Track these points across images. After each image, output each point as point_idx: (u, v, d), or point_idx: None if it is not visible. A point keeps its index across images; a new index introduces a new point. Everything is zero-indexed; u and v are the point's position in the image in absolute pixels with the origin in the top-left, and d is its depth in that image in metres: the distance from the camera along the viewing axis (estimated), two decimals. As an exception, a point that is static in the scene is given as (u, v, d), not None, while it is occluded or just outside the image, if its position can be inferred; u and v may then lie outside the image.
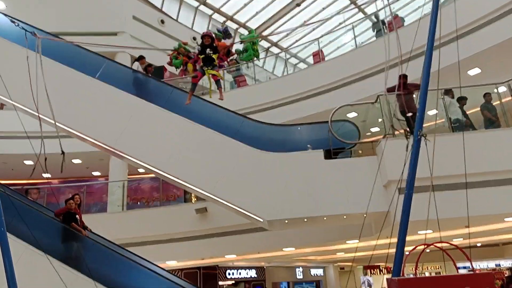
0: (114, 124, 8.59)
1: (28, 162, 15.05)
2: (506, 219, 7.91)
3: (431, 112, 8.27)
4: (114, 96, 8.69)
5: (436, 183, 5.64)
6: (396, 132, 7.73)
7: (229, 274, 17.45)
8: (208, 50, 6.44)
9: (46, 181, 13.99)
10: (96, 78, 8.69)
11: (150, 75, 9.57)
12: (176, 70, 14.71)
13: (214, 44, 6.53)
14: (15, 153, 14.50)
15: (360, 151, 8.63)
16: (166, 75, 13.79)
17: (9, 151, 14.70)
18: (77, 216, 8.01)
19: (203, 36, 6.53)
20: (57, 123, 8.69)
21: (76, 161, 15.80)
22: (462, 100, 7.95)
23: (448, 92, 7.84)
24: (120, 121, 8.57)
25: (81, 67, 8.77)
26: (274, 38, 22.47)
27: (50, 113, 7.92)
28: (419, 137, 4.39)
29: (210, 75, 6.41)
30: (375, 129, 8.96)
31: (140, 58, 10.00)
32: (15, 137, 13.60)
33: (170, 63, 14.37)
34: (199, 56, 6.52)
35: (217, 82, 6.64)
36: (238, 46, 13.94)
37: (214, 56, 6.45)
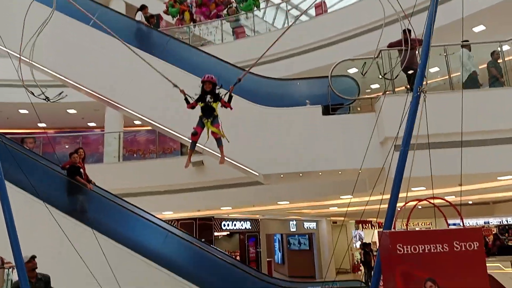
0: (109, 74, 8.44)
1: (23, 111, 14.96)
2: (499, 178, 8.02)
3: (433, 70, 8.18)
4: (109, 45, 8.46)
5: (432, 141, 5.66)
6: (397, 89, 7.66)
7: (224, 225, 17.88)
8: (208, 98, 5.52)
9: (41, 131, 14.02)
10: (91, 26, 8.43)
11: (151, 26, 9.28)
12: (173, 20, 14.29)
13: (216, 91, 5.61)
14: (10, 102, 14.37)
15: (358, 108, 8.58)
16: (162, 24, 13.41)
17: (4, 99, 14.55)
18: (81, 170, 8.01)
19: (204, 82, 5.58)
20: (51, 72, 8.58)
21: (71, 111, 15.69)
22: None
23: (466, 45, 7.65)
24: (115, 70, 8.42)
25: (75, 14, 8.49)
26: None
27: (45, 61, 7.78)
28: (418, 93, 4.33)
29: (210, 132, 5.53)
30: (375, 86, 8.86)
31: (143, 8, 9.66)
32: (10, 86, 13.42)
33: (166, 12, 13.95)
34: (198, 103, 5.60)
35: (218, 140, 5.67)
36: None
37: (215, 105, 5.54)
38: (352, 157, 7.09)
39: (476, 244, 3.40)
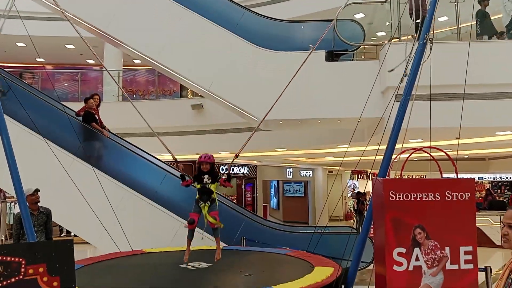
0: (107, 7, 8.17)
1: (21, 45, 14.64)
2: (497, 133, 8.03)
3: (442, 19, 7.92)
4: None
5: (434, 92, 5.58)
6: (403, 38, 7.45)
7: (222, 169, 18.14)
8: (206, 179, 5.02)
9: (40, 65, 13.82)
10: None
11: None
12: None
13: (215, 171, 5.14)
14: (7, 34, 13.99)
15: (363, 56, 8.41)
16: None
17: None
18: (96, 116, 7.95)
19: (201, 162, 5.07)
20: (49, 3, 8.28)
21: (70, 46, 15.35)
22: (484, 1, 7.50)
23: None
24: (113, 3, 8.15)
25: None
26: None
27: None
28: (425, 41, 4.20)
29: (207, 221, 4.98)
30: (381, 33, 8.63)
31: None
32: (7, 16, 13.00)
33: None
34: (194, 185, 5.14)
35: (215, 230, 5.11)
36: None
37: (213, 188, 5.06)
38: (353, 105, 7.02)
39: (468, 194, 3.45)
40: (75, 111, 8.03)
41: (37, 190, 5.89)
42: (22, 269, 2.35)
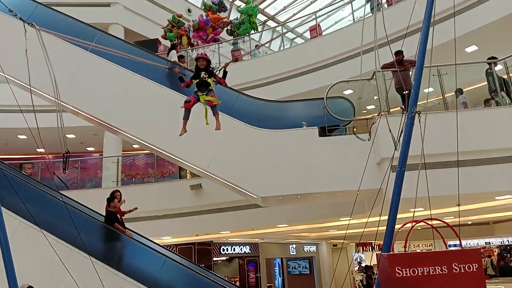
0: (107, 98, 8.51)
1: (22, 137, 14.98)
2: (497, 198, 8.00)
3: (427, 90, 8.26)
4: (106, 69, 8.58)
5: (428, 161, 5.67)
6: (392, 110, 7.72)
7: (223, 250, 17.67)
8: (203, 74, 5.63)
9: (40, 156, 13.98)
10: (88, 51, 8.55)
11: (177, 63, 9.22)
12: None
13: (210, 68, 5.74)
14: (8, 127, 14.41)
15: (354, 129, 8.63)
16: (160, 48, 13.61)
17: (2, 125, 14.60)
18: (118, 215, 7.92)
19: (198, 59, 5.68)
20: (49, 97, 8.64)
21: (70, 136, 15.71)
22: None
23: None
24: (113, 95, 8.49)
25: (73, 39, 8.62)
26: (271, 12, 22.16)
27: (43, 86, 7.84)
28: (413, 114, 4.37)
29: (206, 101, 5.63)
30: (370, 107, 8.94)
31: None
32: (8, 111, 13.48)
33: (164, 36, 14.16)
34: (193, 80, 5.74)
35: (213, 108, 5.73)
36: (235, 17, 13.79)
37: (210, 80, 5.65)
38: (350, 178, 7.09)
39: (475, 265, 3.36)
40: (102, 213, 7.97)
41: (30, 287, 5.68)
42: None
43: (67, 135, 15.81)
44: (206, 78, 5.63)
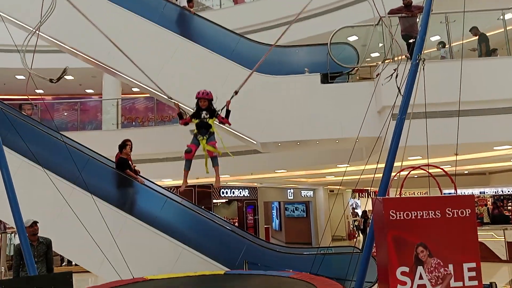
0: (105, 39, 8.30)
1: (20, 77, 14.82)
2: (495, 148, 8.08)
3: (434, 38, 8.07)
4: (106, 10, 8.31)
5: (429, 110, 5.65)
6: (396, 58, 7.58)
7: (223, 193, 18.11)
8: (204, 114, 5.17)
9: (39, 97, 13.92)
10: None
11: (186, 8, 8.79)
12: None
13: (212, 108, 5.26)
14: (6, 67, 14.22)
15: (357, 77, 8.52)
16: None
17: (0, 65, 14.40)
18: (130, 162, 7.95)
19: (199, 98, 5.21)
20: (49, 37, 8.45)
21: (69, 77, 15.55)
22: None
23: None
24: (112, 35, 8.27)
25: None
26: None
27: (43, 26, 7.63)
28: (417, 61, 4.29)
29: (206, 151, 5.12)
30: (375, 55, 8.76)
31: None
32: (6, 51, 13.23)
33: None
34: (193, 120, 5.28)
35: (213, 158, 5.22)
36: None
37: (211, 122, 5.18)
38: (350, 126, 7.11)
39: (468, 211, 3.46)
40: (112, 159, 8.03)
41: (35, 222, 5.88)
42: (23, 304, 2.33)
43: (65, 77, 15.72)
44: (208, 119, 5.18)
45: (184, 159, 5.27)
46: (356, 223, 21.16)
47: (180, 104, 5.54)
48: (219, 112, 5.28)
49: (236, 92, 5.40)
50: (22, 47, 5.64)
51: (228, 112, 5.33)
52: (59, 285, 2.38)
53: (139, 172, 8.16)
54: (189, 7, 8.77)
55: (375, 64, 7.58)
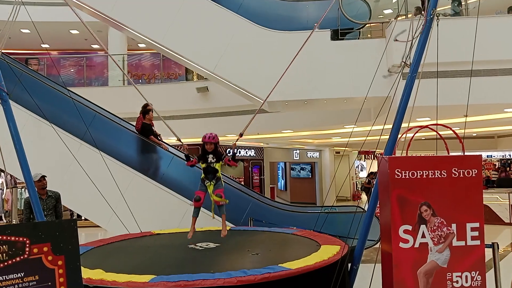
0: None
1: (25, 31, 14.63)
2: (506, 110, 7.94)
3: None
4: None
5: (440, 70, 5.50)
6: (409, 15, 7.33)
7: (229, 152, 18.20)
8: (210, 158, 5.16)
9: (45, 51, 13.83)
10: None
11: None
12: None
13: (219, 150, 5.26)
14: (11, 20, 13.98)
15: (369, 35, 8.29)
16: None
17: (3, 17, 14.15)
18: (153, 127, 7.92)
19: (205, 143, 5.19)
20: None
21: (74, 31, 15.31)
22: None
23: None
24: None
25: None
26: None
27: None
28: (431, 16, 4.12)
29: (213, 200, 5.13)
30: (387, 11, 8.48)
31: None
32: (8, 2, 12.96)
33: None
34: (199, 162, 5.27)
35: (220, 207, 5.22)
36: None
37: (218, 166, 5.19)
38: (359, 85, 6.98)
39: (475, 171, 3.42)
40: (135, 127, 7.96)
41: (43, 176, 5.96)
42: (27, 249, 2.38)
43: (70, 31, 15.47)
44: (214, 164, 5.17)
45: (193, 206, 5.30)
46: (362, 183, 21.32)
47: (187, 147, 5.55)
48: (225, 155, 5.30)
49: (241, 135, 5.47)
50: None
51: (234, 154, 5.35)
52: (64, 231, 2.41)
53: (160, 136, 8.14)
54: None
55: (387, 20, 7.33)
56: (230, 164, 5.30)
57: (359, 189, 22.03)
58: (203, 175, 5.22)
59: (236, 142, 5.53)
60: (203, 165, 5.21)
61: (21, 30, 14.70)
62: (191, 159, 5.38)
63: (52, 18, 13.37)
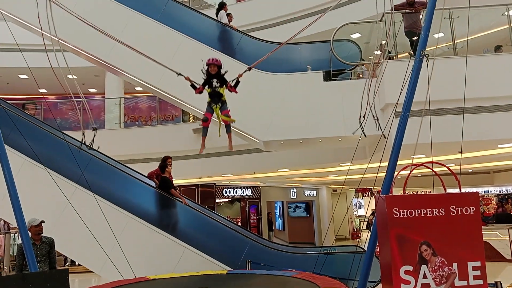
0: (107, 37, 8.30)
1: (23, 77, 14.86)
2: (499, 146, 7.99)
3: (438, 35, 7.98)
4: (108, 9, 8.31)
5: (433, 108, 5.58)
6: (399, 56, 7.52)
7: (225, 192, 18.06)
8: (215, 83, 5.53)
9: (42, 96, 13.97)
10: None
11: (228, 25, 8.81)
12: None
13: (222, 75, 5.60)
14: (9, 67, 14.25)
15: (360, 74, 8.47)
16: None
17: (2, 64, 14.42)
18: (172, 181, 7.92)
19: (209, 65, 5.54)
20: (51, 36, 8.44)
21: (71, 76, 15.54)
22: None
23: None
24: (114, 34, 8.26)
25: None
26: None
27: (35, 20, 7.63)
28: (421, 57, 4.23)
29: (221, 119, 5.57)
30: (378, 52, 8.69)
31: (223, 5, 9.14)
32: (9, 50, 13.26)
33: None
34: (204, 88, 5.63)
35: (227, 126, 5.72)
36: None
37: (222, 91, 5.56)
38: (352, 123, 7.02)
39: (473, 208, 3.40)
40: (147, 175, 8.06)
41: (42, 222, 5.87)
42: (17, 301, 2.29)
43: (68, 76, 15.70)
44: (218, 88, 5.56)
45: (201, 126, 5.84)
46: (364, 221, 21.03)
47: (190, 78, 5.80)
48: (229, 81, 5.65)
49: (249, 68, 5.74)
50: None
51: (237, 82, 5.69)
52: (55, 283, 2.33)
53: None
54: (228, 19, 8.84)
55: (378, 61, 7.51)
56: (231, 90, 5.62)
57: (357, 227, 21.75)
58: (209, 99, 5.61)
59: (242, 74, 5.72)
60: (209, 90, 5.57)
61: (19, 76, 14.95)
62: (197, 87, 5.68)
63: (49, 64, 13.59)
